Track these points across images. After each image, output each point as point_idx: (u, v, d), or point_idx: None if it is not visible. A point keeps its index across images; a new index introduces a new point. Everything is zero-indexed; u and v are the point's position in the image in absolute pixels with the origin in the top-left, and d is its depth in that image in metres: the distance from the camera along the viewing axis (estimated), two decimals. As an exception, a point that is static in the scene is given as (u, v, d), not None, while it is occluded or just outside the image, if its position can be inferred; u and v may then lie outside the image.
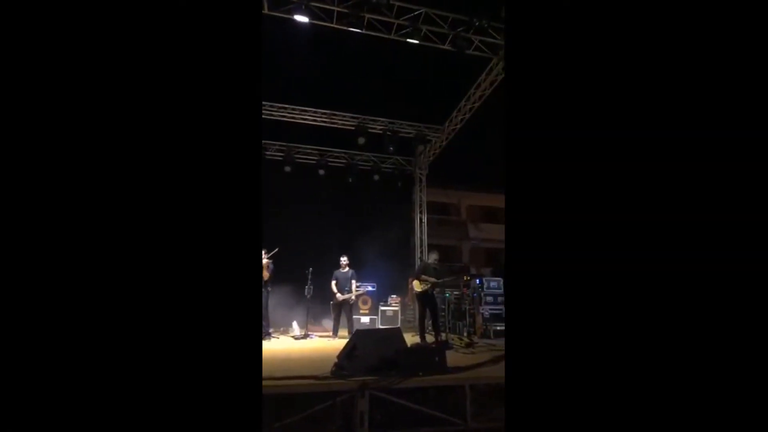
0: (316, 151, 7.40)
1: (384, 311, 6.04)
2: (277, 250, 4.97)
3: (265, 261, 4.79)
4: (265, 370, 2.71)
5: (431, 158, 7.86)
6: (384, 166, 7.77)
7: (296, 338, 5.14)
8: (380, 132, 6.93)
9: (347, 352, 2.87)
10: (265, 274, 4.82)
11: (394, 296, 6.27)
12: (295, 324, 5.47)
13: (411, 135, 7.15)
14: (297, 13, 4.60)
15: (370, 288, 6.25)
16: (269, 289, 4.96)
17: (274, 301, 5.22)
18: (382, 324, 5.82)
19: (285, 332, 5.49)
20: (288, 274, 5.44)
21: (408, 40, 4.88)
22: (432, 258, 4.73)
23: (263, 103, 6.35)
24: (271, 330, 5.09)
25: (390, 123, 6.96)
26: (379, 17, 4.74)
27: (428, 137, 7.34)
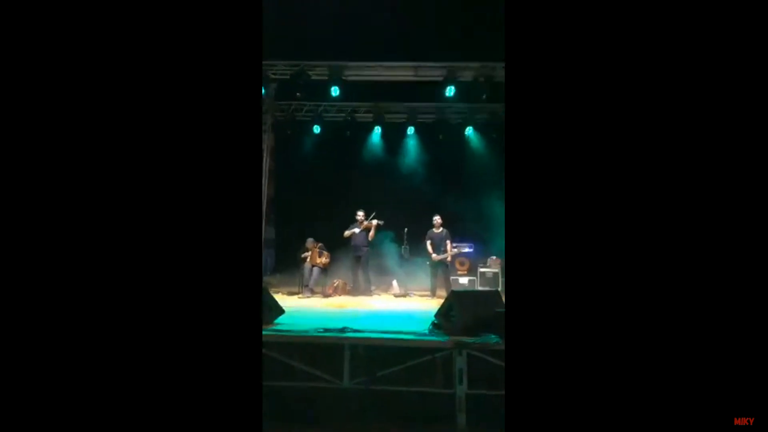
0: (404, 109, 7.18)
1: (483, 272, 5.81)
2: (375, 214, 5.22)
3: (374, 222, 5.17)
4: (367, 326, 2.93)
5: (533, 102, 6.93)
6: (478, 116, 7.16)
7: (396, 296, 5.36)
8: (471, 79, 6.33)
9: (444, 312, 2.86)
10: (372, 234, 5.18)
11: (494, 257, 5.94)
12: (395, 282, 5.69)
13: (508, 78, 6.35)
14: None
15: (467, 249, 6.04)
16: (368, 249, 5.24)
17: (374, 261, 5.51)
18: (481, 285, 5.64)
19: (386, 290, 5.78)
20: (385, 235, 5.62)
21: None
22: None
23: (350, 63, 6.32)
24: (373, 287, 5.42)
25: (482, 67, 6.27)
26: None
27: (529, 78, 6.43)
